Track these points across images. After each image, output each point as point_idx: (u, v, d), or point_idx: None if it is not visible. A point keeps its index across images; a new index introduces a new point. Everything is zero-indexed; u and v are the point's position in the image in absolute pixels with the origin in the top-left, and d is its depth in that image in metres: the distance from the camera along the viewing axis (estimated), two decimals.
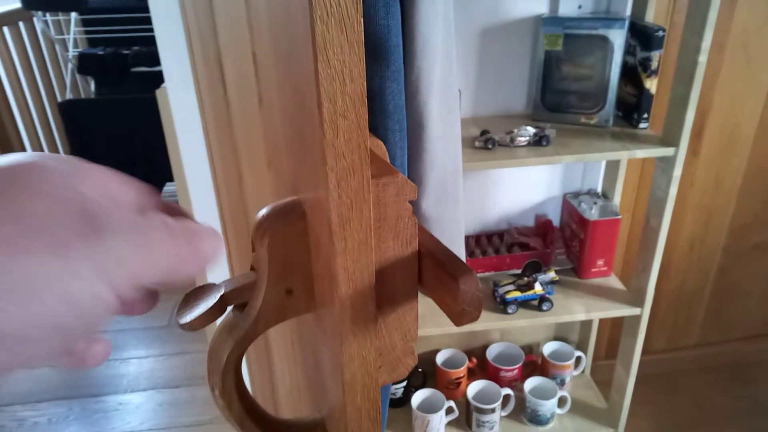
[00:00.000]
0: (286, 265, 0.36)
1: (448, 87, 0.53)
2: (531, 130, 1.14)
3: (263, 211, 0.36)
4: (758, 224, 1.67)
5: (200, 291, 0.37)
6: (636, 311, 1.30)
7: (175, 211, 0.30)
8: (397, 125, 0.47)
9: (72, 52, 2.47)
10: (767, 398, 1.76)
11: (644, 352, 1.69)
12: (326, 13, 0.26)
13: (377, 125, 0.46)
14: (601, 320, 1.66)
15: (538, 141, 1.13)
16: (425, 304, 1.37)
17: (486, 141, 1.13)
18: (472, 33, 1.22)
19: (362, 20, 0.27)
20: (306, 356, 0.50)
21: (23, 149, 2.39)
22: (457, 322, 0.32)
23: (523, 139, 1.14)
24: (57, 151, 2.72)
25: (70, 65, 2.50)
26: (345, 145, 0.29)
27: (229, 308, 0.38)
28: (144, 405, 1.81)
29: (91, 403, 1.84)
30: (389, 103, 0.46)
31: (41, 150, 2.59)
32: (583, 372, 1.64)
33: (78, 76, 2.55)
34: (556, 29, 1.16)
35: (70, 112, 2.14)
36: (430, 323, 1.27)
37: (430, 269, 0.35)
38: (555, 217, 1.48)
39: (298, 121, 0.34)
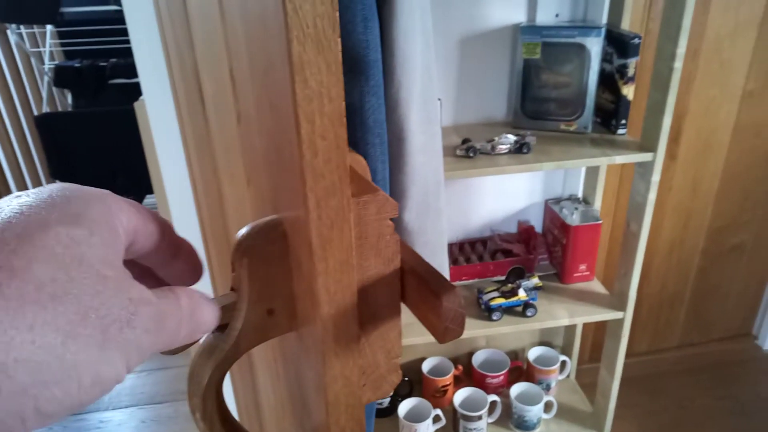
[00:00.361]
0: (266, 285, 0.36)
1: (428, 99, 0.53)
2: (512, 137, 1.15)
3: (243, 231, 0.35)
4: (735, 226, 1.70)
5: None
6: (619, 315, 1.31)
7: (183, 248, 0.32)
8: (378, 139, 0.47)
9: (48, 65, 2.43)
10: (748, 398, 1.78)
11: (627, 354, 1.70)
12: (303, 34, 0.25)
13: (357, 140, 0.46)
14: (584, 324, 1.67)
15: (519, 148, 1.14)
16: (408, 313, 1.36)
17: (467, 149, 1.13)
18: (451, 42, 1.23)
19: (339, 40, 0.27)
20: (289, 374, 0.49)
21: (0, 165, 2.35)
22: (441, 339, 0.32)
23: (504, 146, 1.14)
24: (34, 166, 2.68)
25: (46, 78, 2.46)
26: (324, 166, 0.28)
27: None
28: (126, 422, 1.78)
29: (72, 421, 1.80)
30: (369, 118, 0.46)
31: (17, 165, 2.54)
32: (568, 376, 1.65)
33: (54, 89, 2.51)
34: (534, 38, 1.17)
35: (47, 126, 2.10)
36: (417, 332, 1.26)
37: (413, 286, 0.34)
38: (537, 223, 1.49)
39: (276, 140, 0.33)
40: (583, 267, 1.40)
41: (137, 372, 1.97)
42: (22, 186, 2.58)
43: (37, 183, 2.70)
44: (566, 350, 1.65)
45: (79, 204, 0.23)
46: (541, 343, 1.66)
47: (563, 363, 1.60)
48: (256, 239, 0.35)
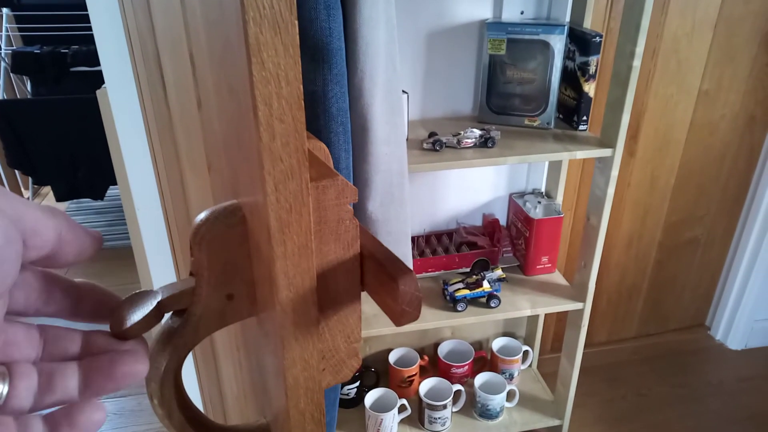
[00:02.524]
0: (226, 269, 0.36)
1: (392, 90, 0.54)
2: (477, 132, 1.16)
3: (202, 215, 0.35)
4: (690, 220, 1.77)
5: (137, 297, 0.36)
6: (579, 306, 1.35)
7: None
8: (341, 128, 0.47)
9: (5, 51, 2.34)
10: (701, 385, 1.85)
11: (587, 344, 1.75)
12: (259, 15, 0.26)
13: (320, 128, 0.46)
14: (546, 315, 1.71)
15: (484, 142, 1.16)
16: (370, 306, 1.36)
17: (434, 143, 1.15)
18: (418, 36, 1.24)
19: (296, 22, 0.27)
20: (250, 361, 0.49)
21: None
22: (398, 322, 0.33)
23: (469, 140, 1.16)
24: None
25: (2, 64, 2.37)
26: (282, 149, 0.29)
27: (167, 315, 0.37)
28: None
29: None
30: (332, 106, 0.46)
31: None
32: (530, 366, 1.69)
33: (12, 76, 2.43)
34: (499, 34, 1.19)
35: (5, 114, 2.03)
36: (382, 323, 1.27)
37: (371, 271, 0.35)
38: (502, 216, 1.52)
39: (235, 124, 0.34)
40: (545, 259, 1.43)
41: None
42: None
43: None
44: (529, 340, 1.69)
45: None
46: (505, 334, 1.69)
47: (525, 353, 1.63)
48: (215, 224, 0.35)
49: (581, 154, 1.15)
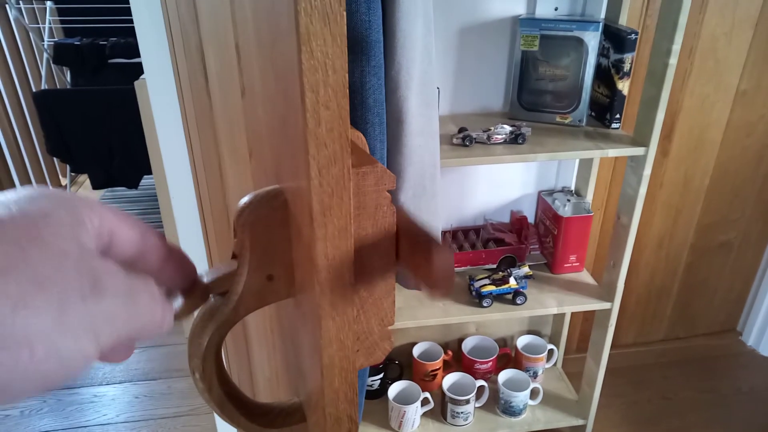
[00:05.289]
0: (267, 251, 0.37)
1: (427, 83, 0.55)
2: (507, 128, 1.16)
3: (245, 199, 0.37)
4: (724, 223, 1.73)
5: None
6: (606, 305, 1.34)
7: (172, 251, 0.31)
8: (377, 119, 0.48)
9: (47, 42, 2.42)
10: (729, 391, 1.82)
11: (614, 345, 1.73)
12: (310, 6, 0.27)
13: (357, 119, 0.48)
14: (573, 314, 1.69)
15: (514, 139, 1.16)
16: (401, 297, 1.38)
17: (464, 138, 1.15)
18: (451, 32, 1.24)
19: (345, 14, 0.28)
20: (285, 342, 0.51)
21: None
22: (433, 295, 0.34)
23: (499, 136, 1.16)
24: (32, 144, 2.67)
25: (45, 55, 2.45)
26: (327, 135, 0.30)
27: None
28: (120, 397, 1.80)
29: (66, 395, 1.81)
30: (369, 97, 0.47)
31: (15, 143, 2.53)
32: (555, 365, 1.68)
33: (54, 67, 2.50)
34: (532, 30, 1.19)
35: (46, 103, 2.10)
36: (406, 315, 1.29)
37: (406, 247, 0.36)
38: (530, 213, 1.52)
39: (281, 111, 0.35)
40: (573, 258, 1.42)
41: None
42: (20, 163, 2.57)
43: (34, 160, 2.69)
44: (554, 339, 1.68)
45: (43, 201, 0.23)
46: (530, 332, 1.69)
47: (550, 351, 1.63)
48: (258, 207, 0.36)
49: (613, 152, 1.14)
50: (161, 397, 1.77)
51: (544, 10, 1.23)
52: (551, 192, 1.47)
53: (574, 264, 1.43)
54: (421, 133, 0.55)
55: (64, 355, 0.21)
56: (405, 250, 0.36)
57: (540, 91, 1.24)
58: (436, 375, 1.56)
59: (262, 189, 0.37)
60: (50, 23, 2.43)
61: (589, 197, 1.45)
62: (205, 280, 0.37)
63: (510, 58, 1.28)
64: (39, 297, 0.20)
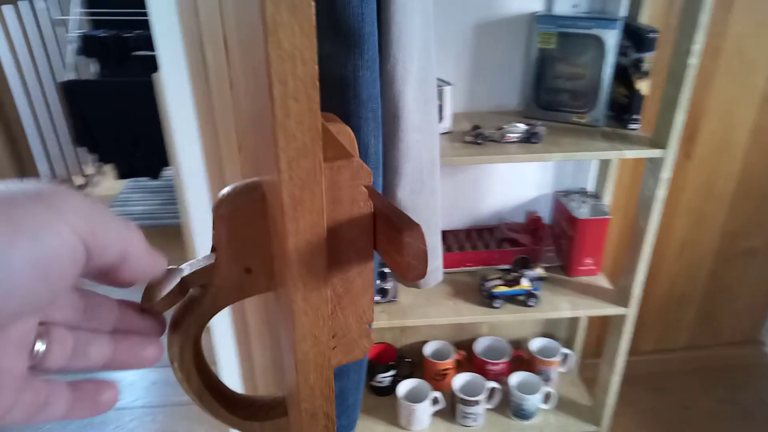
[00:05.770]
0: (245, 244, 0.37)
1: (426, 78, 0.54)
2: (522, 126, 1.15)
3: (224, 191, 0.37)
4: (749, 230, 1.68)
5: (165, 274, 0.37)
6: (622, 311, 1.31)
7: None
8: (371, 114, 0.48)
9: (74, 34, 2.47)
10: (751, 402, 1.77)
11: (632, 352, 1.70)
12: None
13: (350, 113, 0.47)
14: (590, 319, 1.66)
15: (528, 138, 1.14)
16: (411, 295, 1.37)
17: (476, 136, 1.14)
18: (467, 28, 1.23)
19: (313, 3, 0.27)
20: (272, 336, 0.51)
21: (22, 130, 2.40)
22: (404, 276, 0.32)
23: (513, 135, 1.14)
24: (56, 134, 2.73)
25: (71, 46, 2.50)
26: (296, 127, 0.29)
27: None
28: (138, 382, 1.83)
29: (83, 378, 1.85)
30: (363, 92, 0.46)
31: (40, 132, 2.59)
32: (570, 369, 1.65)
33: (80, 58, 2.56)
34: (550, 27, 1.16)
35: (72, 93, 2.14)
36: (418, 313, 1.28)
37: (380, 229, 0.35)
38: (546, 214, 1.49)
39: (257, 103, 0.35)
40: (588, 261, 1.39)
41: None
42: (44, 152, 2.63)
43: (58, 150, 2.75)
44: (569, 343, 1.66)
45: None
46: (544, 335, 1.66)
47: (565, 356, 1.60)
48: (236, 199, 0.36)
49: (631, 153, 1.12)
50: (178, 385, 1.79)
51: (562, 8, 1.21)
52: (567, 193, 1.44)
53: (589, 267, 1.41)
54: (419, 129, 0.54)
55: (43, 240, 0.21)
56: (379, 234, 0.35)
57: (557, 90, 1.22)
58: (447, 374, 1.55)
59: (241, 181, 0.37)
60: (77, 15, 2.48)
61: (607, 199, 1.42)
62: (185, 272, 0.37)
63: (526, 55, 1.26)
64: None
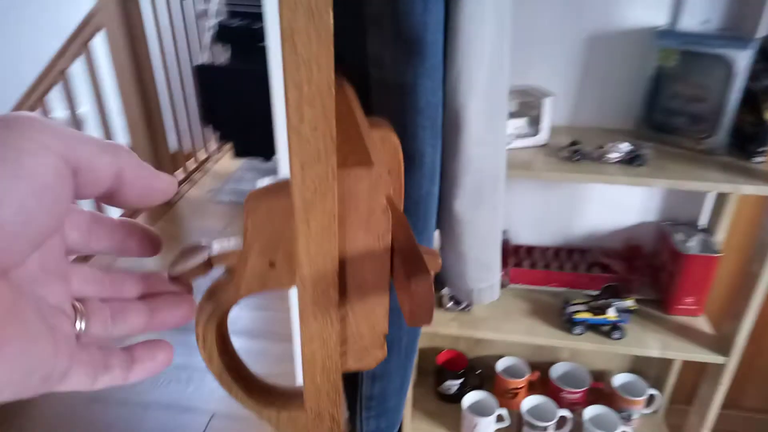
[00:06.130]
0: (270, 239, 0.38)
1: (495, 91, 0.52)
2: (625, 146, 1.07)
3: (257, 185, 0.38)
4: None
5: (195, 248, 0.40)
6: (720, 359, 1.19)
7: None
8: (428, 122, 0.47)
9: (212, 21, 2.67)
10: None
11: (731, 406, 1.53)
12: (294, 1, 0.27)
13: (407, 121, 0.47)
14: (685, 362, 1.52)
15: (631, 160, 1.06)
16: (487, 307, 1.33)
17: (573, 152, 1.08)
18: (578, 37, 1.16)
19: (331, 11, 0.28)
20: None
21: (158, 105, 2.65)
22: (407, 321, 0.33)
23: (614, 155, 1.07)
24: (187, 111, 2.97)
25: (209, 33, 2.71)
26: (310, 132, 0.30)
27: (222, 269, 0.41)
28: None
29: (177, 334, 2.01)
30: (421, 100, 0.46)
31: (173, 108, 2.84)
32: (655, 412, 1.53)
33: (215, 44, 2.76)
34: (672, 43, 1.07)
35: (203, 75, 2.33)
36: (491, 326, 1.25)
37: (396, 265, 0.35)
38: (647, 244, 1.38)
39: None
40: (690, 300, 1.27)
41: (241, 305, 2.15)
42: (175, 126, 2.87)
43: (186, 126, 3.00)
44: (658, 383, 1.53)
45: None
46: (631, 371, 1.55)
47: (651, 396, 1.48)
48: (264, 196, 0.37)
49: (749, 189, 1.00)
50: (257, 356, 1.89)
51: (689, 23, 1.11)
52: (675, 224, 1.33)
53: (690, 307, 1.28)
54: (482, 143, 0.52)
55: (18, 161, 0.21)
56: (395, 269, 0.35)
57: (672, 111, 1.12)
58: (517, 394, 1.50)
59: (274, 179, 0.38)
60: (216, 5, 2.68)
61: (721, 236, 1.28)
62: (213, 251, 0.39)
63: (642, 72, 1.17)
64: None
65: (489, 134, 0.52)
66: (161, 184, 0.29)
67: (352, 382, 0.67)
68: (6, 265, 0.22)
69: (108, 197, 0.28)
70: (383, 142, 0.43)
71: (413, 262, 0.33)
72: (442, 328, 1.25)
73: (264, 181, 0.38)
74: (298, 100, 0.29)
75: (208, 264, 0.39)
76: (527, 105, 1.15)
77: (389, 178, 0.42)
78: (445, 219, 0.58)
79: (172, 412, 1.73)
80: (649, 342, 1.22)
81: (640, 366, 1.55)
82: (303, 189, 0.31)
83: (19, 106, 2.41)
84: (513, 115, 1.15)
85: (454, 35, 0.46)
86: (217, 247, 0.39)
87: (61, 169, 0.23)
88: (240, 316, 2.11)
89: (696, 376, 1.60)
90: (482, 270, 0.61)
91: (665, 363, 1.49)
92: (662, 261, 1.32)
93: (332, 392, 0.39)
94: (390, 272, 0.37)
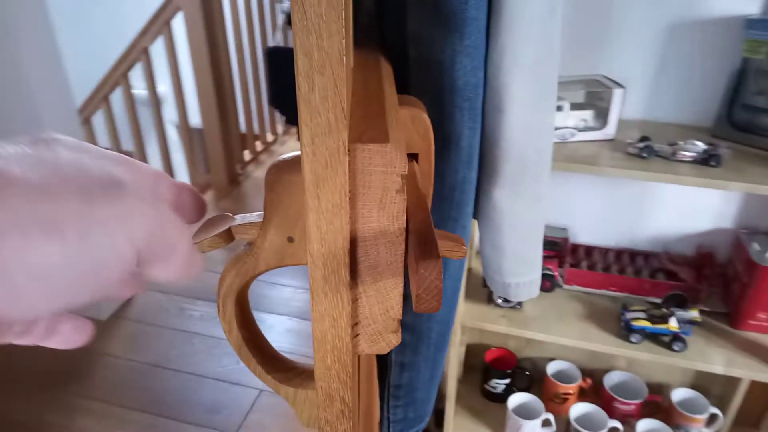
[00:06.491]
0: (289, 213, 0.38)
1: (544, 73, 0.48)
2: (700, 145, 0.99)
3: (276, 160, 0.37)
4: None
5: (219, 219, 0.40)
6: None
7: (183, 189, 0.33)
8: (467, 103, 0.45)
9: (285, 4, 2.72)
10: None
11: None
12: None
13: (444, 101, 0.45)
14: (753, 382, 1.41)
15: (706, 160, 0.99)
16: (538, 306, 1.29)
17: (642, 148, 1.01)
18: (658, 26, 1.09)
19: None
20: None
21: (231, 85, 2.73)
22: (415, 307, 0.31)
23: (687, 154, 1.00)
24: (257, 94, 3.05)
25: (281, 16, 2.76)
26: (320, 103, 0.29)
27: (244, 243, 0.41)
28: (276, 326, 2.01)
29: (254, 314, 2.08)
30: (459, 79, 0.43)
31: (245, 89, 2.92)
32: None
33: (289, 27, 2.81)
34: (763, 34, 0.98)
35: (272, 58, 2.37)
36: (538, 327, 1.21)
37: (410, 248, 0.34)
38: (721, 251, 1.29)
39: None
40: (762, 315, 1.18)
41: (296, 287, 2.20)
42: (244, 108, 2.95)
43: (256, 108, 3.07)
44: (722, 403, 1.42)
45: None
46: (693, 386, 1.45)
47: (713, 416, 1.38)
48: (282, 169, 0.36)
49: None
50: (308, 337, 1.93)
51: None
52: (752, 232, 1.22)
53: (763, 323, 1.19)
54: (527, 128, 0.49)
55: (97, 243, 0.22)
56: (408, 252, 0.34)
57: (757, 109, 1.03)
58: (567, 399, 1.44)
59: (293, 153, 0.38)
60: None
61: None
62: (235, 222, 0.39)
63: (726, 64, 1.08)
64: (61, 184, 0.21)
65: (534, 119, 0.49)
66: (189, 271, 0.30)
67: (381, 369, 0.66)
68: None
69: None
70: (413, 121, 0.41)
71: (425, 245, 0.31)
72: (490, 325, 1.21)
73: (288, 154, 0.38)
74: (308, 68, 0.28)
75: (229, 235, 0.39)
76: (595, 95, 1.09)
77: (409, 158, 0.41)
78: (483, 208, 0.55)
79: (223, 384, 1.80)
80: (714, 357, 1.14)
81: (702, 382, 1.45)
82: (314, 162, 0.30)
83: (104, 82, 2.55)
84: (579, 106, 1.10)
85: (498, 11, 0.44)
86: (240, 218, 0.39)
87: (128, 259, 0.24)
88: (294, 298, 2.15)
89: (765, 398, 1.48)
90: (521, 264, 0.58)
91: (731, 381, 1.39)
92: (735, 271, 1.22)
93: (343, 373, 0.38)
94: (405, 255, 0.35)
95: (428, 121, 0.42)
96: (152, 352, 1.94)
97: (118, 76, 2.53)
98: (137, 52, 2.48)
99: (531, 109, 0.49)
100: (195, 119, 2.74)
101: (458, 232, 0.52)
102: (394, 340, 0.39)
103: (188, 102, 2.67)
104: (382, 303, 0.37)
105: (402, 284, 0.36)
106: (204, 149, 2.86)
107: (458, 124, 0.45)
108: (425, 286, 0.30)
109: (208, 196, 2.89)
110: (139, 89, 2.70)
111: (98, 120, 2.68)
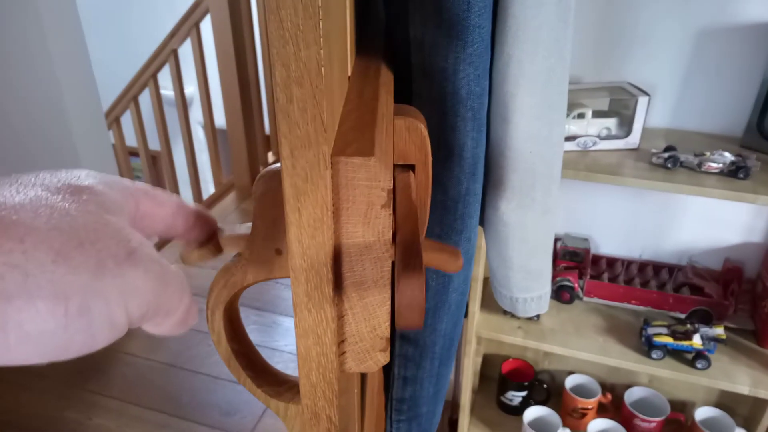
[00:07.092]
0: (276, 225, 0.37)
1: (552, 82, 0.46)
2: (729, 156, 0.96)
3: (264, 171, 0.37)
4: None
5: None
6: None
7: (198, 216, 0.34)
8: (470, 113, 0.43)
9: None
10: None
11: None
12: None
13: (446, 110, 0.43)
14: None
15: (734, 171, 0.95)
16: (557, 320, 1.26)
17: (667, 158, 0.98)
18: (686, 33, 1.05)
19: None
20: None
21: (258, 88, 2.75)
22: (396, 323, 0.30)
23: (714, 165, 0.96)
24: None
25: None
26: (299, 115, 0.28)
27: (234, 254, 0.40)
28: (292, 329, 2.01)
29: (271, 316, 2.08)
30: (462, 88, 0.42)
31: (271, 90, 2.94)
32: None
33: None
34: None
35: None
36: (556, 340, 1.18)
37: (396, 261, 0.32)
38: (751, 266, 1.24)
39: None
40: None
41: None
42: (270, 111, 2.97)
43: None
44: (749, 424, 1.37)
45: (99, 182, 0.26)
46: (718, 405, 1.40)
47: None
48: (269, 181, 0.36)
49: None
50: None
51: None
52: None
53: None
54: (534, 138, 0.47)
55: (95, 316, 0.22)
56: (396, 264, 0.32)
57: None
58: (585, 414, 1.40)
59: (278, 164, 0.37)
60: None
61: None
62: (223, 234, 0.38)
63: (758, 73, 1.04)
64: (78, 254, 0.21)
65: (542, 130, 0.47)
66: (179, 330, 0.30)
67: (384, 383, 0.64)
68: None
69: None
70: (409, 132, 0.40)
71: (408, 258, 0.30)
72: (506, 336, 1.19)
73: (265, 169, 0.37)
74: (286, 78, 0.27)
75: (217, 248, 0.38)
76: (620, 103, 1.06)
77: (405, 169, 0.40)
78: (490, 220, 0.53)
79: (238, 387, 1.80)
80: (739, 377, 1.09)
81: (728, 402, 1.40)
82: (293, 175, 0.29)
83: (133, 83, 2.60)
84: (602, 113, 1.07)
85: (503, 19, 0.42)
86: (228, 230, 0.39)
87: (122, 327, 0.24)
88: None
89: None
90: (529, 279, 0.56)
91: (759, 402, 1.33)
92: (764, 287, 1.17)
93: (329, 392, 0.37)
94: (390, 272, 0.34)
95: (425, 132, 0.40)
96: (170, 351, 1.95)
97: (147, 77, 2.57)
98: (166, 54, 2.51)
99: (538, 120, 0.47)
100: (221, 120, 2.77)
101: (463, 244, 0.50)
102: (382, 359, 0.37)
103: (215, 103, 2.71)
104: (369, 321, 0.36)
105: (389, 301, 0.35)
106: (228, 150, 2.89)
107: (461, 134, 0.44)
108: (405, 302, 0.29)
109: (231, 197, 2.91)
110: (167, 90, 2.75)
111: (126, 120, 2.73)
